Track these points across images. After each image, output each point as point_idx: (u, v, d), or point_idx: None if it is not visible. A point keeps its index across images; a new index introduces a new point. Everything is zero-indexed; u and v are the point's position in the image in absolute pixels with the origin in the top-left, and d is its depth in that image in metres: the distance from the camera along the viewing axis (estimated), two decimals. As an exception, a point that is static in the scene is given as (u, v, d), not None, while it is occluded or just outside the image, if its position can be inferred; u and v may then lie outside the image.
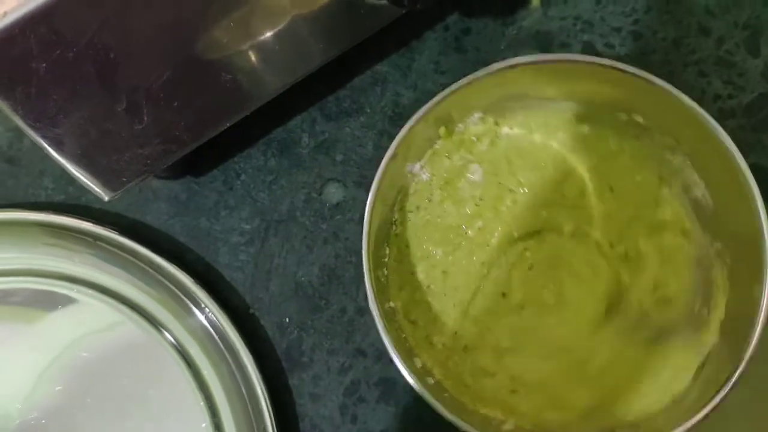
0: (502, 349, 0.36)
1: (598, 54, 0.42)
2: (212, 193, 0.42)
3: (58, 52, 0.30)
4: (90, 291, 0.40)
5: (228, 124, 0.36)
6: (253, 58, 0.35)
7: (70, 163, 0.33)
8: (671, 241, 0.37)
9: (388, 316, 0.35)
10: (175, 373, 0.39)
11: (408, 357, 0.34)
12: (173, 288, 0.40)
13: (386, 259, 0.38)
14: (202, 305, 0.39)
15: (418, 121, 0.35)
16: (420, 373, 0.34)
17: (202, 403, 0.39)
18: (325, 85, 0.42)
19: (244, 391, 0.38)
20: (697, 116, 0.34)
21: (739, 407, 0.34)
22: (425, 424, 0.40)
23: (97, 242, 0.40)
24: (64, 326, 0.40)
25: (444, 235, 0.38)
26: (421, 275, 0.38)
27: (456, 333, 0.37)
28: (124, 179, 0.35)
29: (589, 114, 0.38)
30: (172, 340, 0.40)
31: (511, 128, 0.39)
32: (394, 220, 0.38)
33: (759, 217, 0.32)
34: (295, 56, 0.36)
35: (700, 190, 0.37)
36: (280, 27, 0.34)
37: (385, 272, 0.37)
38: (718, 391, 0.31)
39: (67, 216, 0.40)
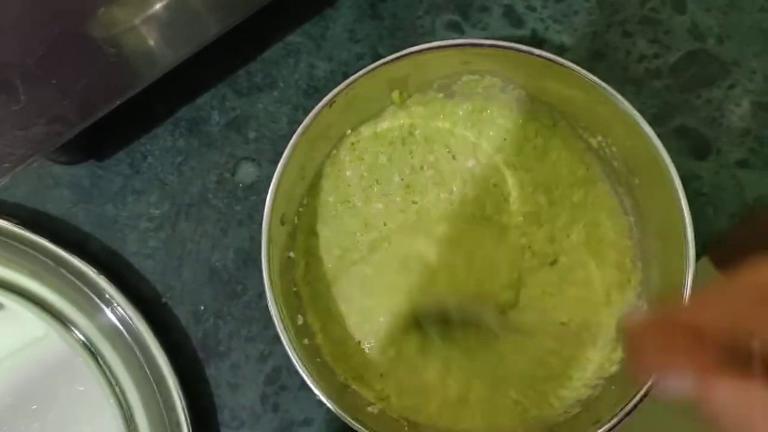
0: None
1: (519, 19, 0.40)
2: (118, 178, 0.39)
3: None
4: (-13, 287, 0.37)
5: (119, 102, 0.33)
6: (139, 30, 0.32)
7: (-61, 149, 0.31)
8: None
9: (285, 270, 0.33)
10: (84, 370, 0.37)
11: (292, 312, 0.33)
12: (77, 281, 0.37)
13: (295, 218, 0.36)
14: (107, 296, 0.37)
15: (357, 79, 0.33)
16: (298, 331, 0.33)
17: (112, 400, 0.37)
18: (234, 58, 0.40)
19: (155, 385, 0.36)
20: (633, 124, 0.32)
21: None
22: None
23: (-7, 235, 0.37)
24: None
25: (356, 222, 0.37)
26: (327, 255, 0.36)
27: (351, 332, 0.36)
28: (7, 165, 0.32)
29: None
30: (80, 336, 0.37)
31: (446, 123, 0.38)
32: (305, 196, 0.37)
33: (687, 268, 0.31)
34: (188, 27, 0.33)
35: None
36: (165, -5, 0.32)
37: (296, 221, 0.36)
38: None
39: (-43, 208, 0.37)
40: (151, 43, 0.33)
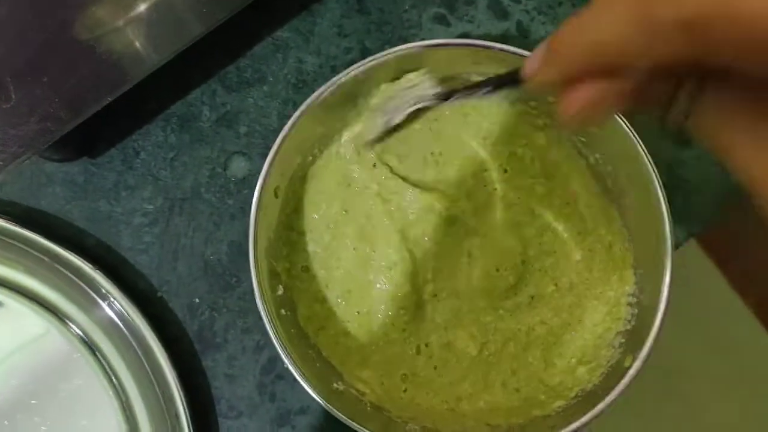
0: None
1: (504, 11, 0.41)
2: (111, 174, 0.40)
3: None
4: (-16, 285, 0.38)
5: (110, 99, 0.34)
6: (127, 30, 0.33)
7: (-67, 148, 0.31)
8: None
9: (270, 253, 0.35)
10: (82, 365, 0.38)
11: (273, 283, 0.34)
12: (73, 277, 0.38)
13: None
14: (103, 291, 0.37)
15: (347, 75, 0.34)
16: (276, 300, 0.34)
17: (111, 393, 0.37)
18: (224, 54, 0.40)
19: (153, 377, 0.37)
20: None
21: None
22: (346, 398, 0.39)
23: (-12, 233, 0.38)
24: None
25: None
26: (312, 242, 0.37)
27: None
28: (0, 162, 0.33)
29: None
30: (78, 331, 0.38)
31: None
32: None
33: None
34: (174, 25, 0.34)
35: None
36: (153, -6, 0.32)
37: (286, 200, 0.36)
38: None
39: (-49, 207, 0.37)
40: (139, 41, 0.34)
